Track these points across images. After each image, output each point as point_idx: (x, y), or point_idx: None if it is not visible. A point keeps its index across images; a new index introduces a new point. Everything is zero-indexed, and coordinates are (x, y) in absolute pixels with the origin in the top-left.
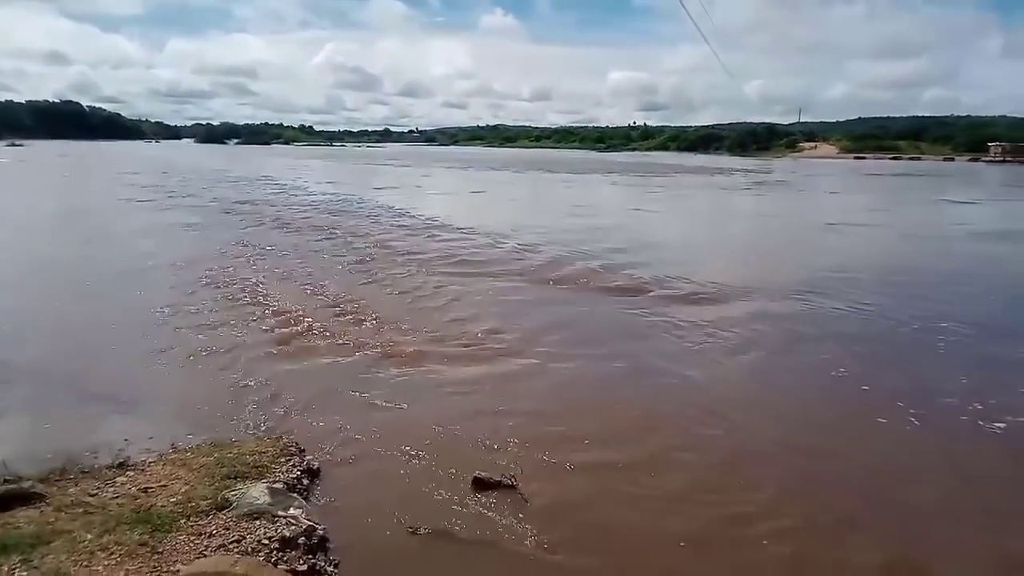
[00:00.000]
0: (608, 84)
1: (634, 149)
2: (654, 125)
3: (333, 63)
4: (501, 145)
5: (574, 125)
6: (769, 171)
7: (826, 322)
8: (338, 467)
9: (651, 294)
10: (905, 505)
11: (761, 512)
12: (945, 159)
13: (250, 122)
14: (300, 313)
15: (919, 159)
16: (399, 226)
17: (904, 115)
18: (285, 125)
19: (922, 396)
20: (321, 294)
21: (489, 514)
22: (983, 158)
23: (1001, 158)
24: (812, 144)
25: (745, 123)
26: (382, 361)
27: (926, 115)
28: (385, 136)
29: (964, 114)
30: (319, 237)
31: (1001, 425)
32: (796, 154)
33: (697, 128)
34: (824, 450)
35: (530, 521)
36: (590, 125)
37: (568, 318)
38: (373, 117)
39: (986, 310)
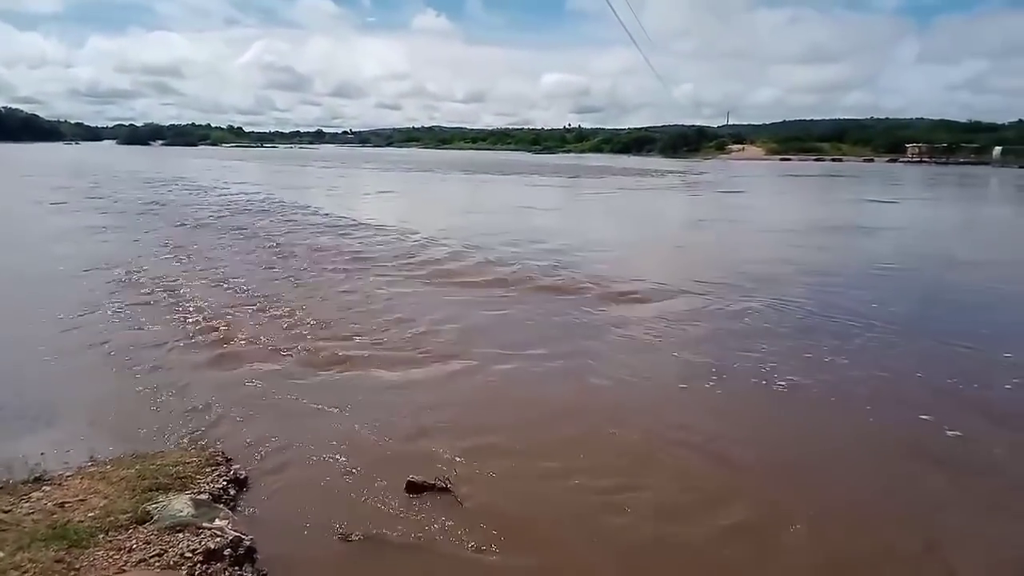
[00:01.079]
0: (542, 86)
1: (569, 151)
2: (588, 127)
3: (262, 62)
4: (437, 147)
5: (510, 127)
6: (698, 173)
7: (711, 317)
8: (267, 476)
9: (585, 294)
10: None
11: (693, 507)
12: (865, 160)
13: (176, 122)
14: (224, 317)
15: (841, 160)
16: (328, 227)
17: (827, 118)
18: (213, 126)
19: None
20: (245, 297)
21: (423, 517)
22: (901, 159)
23: (918, 159)
24: (740, 146)
25: (676, 126)
26: (312, 365)
27: (847, 118)
28: (318, 137)
29: (883, 117)
30: (240, 238)
31: (783, 384)
32: (725, 156)
33: (630, 130)
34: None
35: (465, 523)
36: (525, 127)
37: (503, 319)
38: (305, 118)
39: (788, 291)
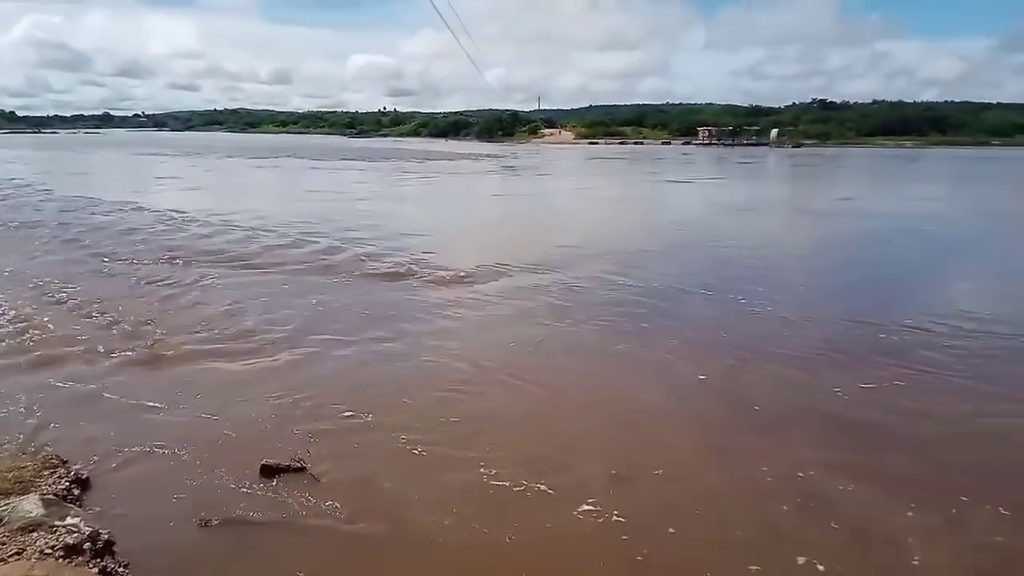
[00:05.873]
0: (352, 68)
1: (386, 135)
2: (404, 111)
3: (32, 39)
4: (243, 131)
5: (322, 110)
6: (514, 157)
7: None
8: (111, 474)
9: (414, 278)
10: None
11: (515, 460)
12: (663, 143)
13: None
14: (33, 318)
15: (642, 143)
16: (139, 220)
17: (628, 103)
18: None
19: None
20: (54, 295)
21: (282, 497)
22: (694, 141)
23: (708, 141)
24: (552, 131)
25: (490, 110)
26: (145, 363)
27: (646, 103)
28: (105, 121)
29: (678, 102)
30: (33, 231)
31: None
32: (538, 140)
33: (446, 114)
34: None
35: (323, 497)
36: (339, 110)
37: (341, 306)
38: (89, 100)
39: (591, 269)
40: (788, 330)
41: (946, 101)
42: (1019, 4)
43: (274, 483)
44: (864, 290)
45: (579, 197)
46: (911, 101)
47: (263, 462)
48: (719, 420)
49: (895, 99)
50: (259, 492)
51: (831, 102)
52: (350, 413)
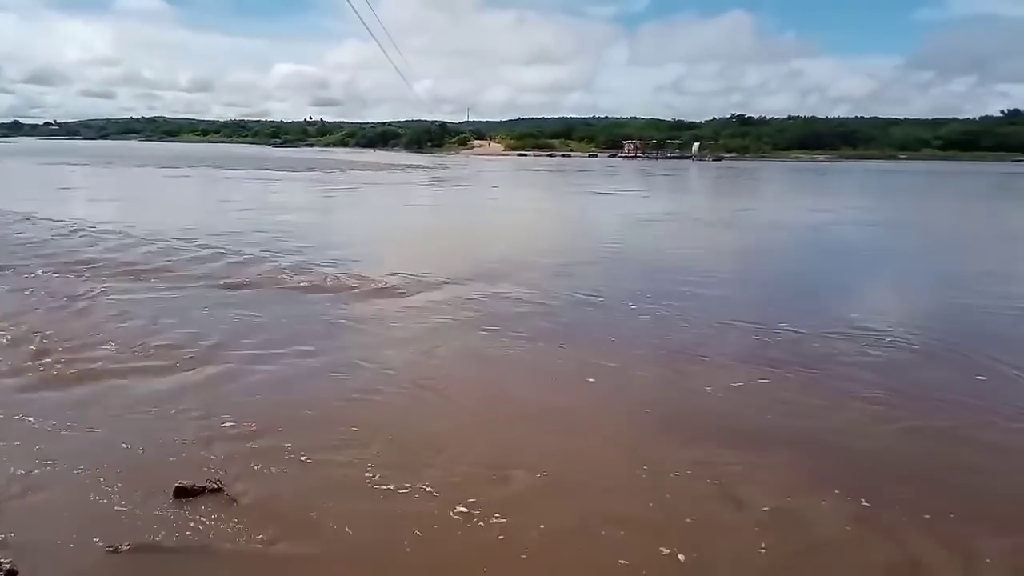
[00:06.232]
0: (276, 77)
1: (312, 145)
2: (331, 121)
3: None
4: (161, 139)
5: (246, 119)
6: (444, 168)
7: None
8: (14, 500)
9: (335, 291)
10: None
11: (450, 483)
12: (590, 155)
13: None
14: None
15: (570, 155)
16: (45, 231)
17: (555, 116)
18: None
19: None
20: None
21: (196, 520)
22: (620, 154)
23: (633, 154)
24: (482, 142)
25: (419, 121)
26: (50, 382)
27: (573, 116)
28: (14, 129)
29: (603, 116)
30: None
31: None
32: (468, 151)
33: (374, 125)
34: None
35: (241, 520)
36: (263, 119)
37: (259, 320)
38: None
39: (517, 282)
40: (675, 333)
41: (857, 117)
42: (925, 25)
43: (189, 505)
44: (744, 296)
45: (507, 209)
46: (824, 117)
47: (177, 483)
48: (616, 422)
49: (809, 115)
50: (173, 515)
51: (749, 117)
52: (268, 431)
